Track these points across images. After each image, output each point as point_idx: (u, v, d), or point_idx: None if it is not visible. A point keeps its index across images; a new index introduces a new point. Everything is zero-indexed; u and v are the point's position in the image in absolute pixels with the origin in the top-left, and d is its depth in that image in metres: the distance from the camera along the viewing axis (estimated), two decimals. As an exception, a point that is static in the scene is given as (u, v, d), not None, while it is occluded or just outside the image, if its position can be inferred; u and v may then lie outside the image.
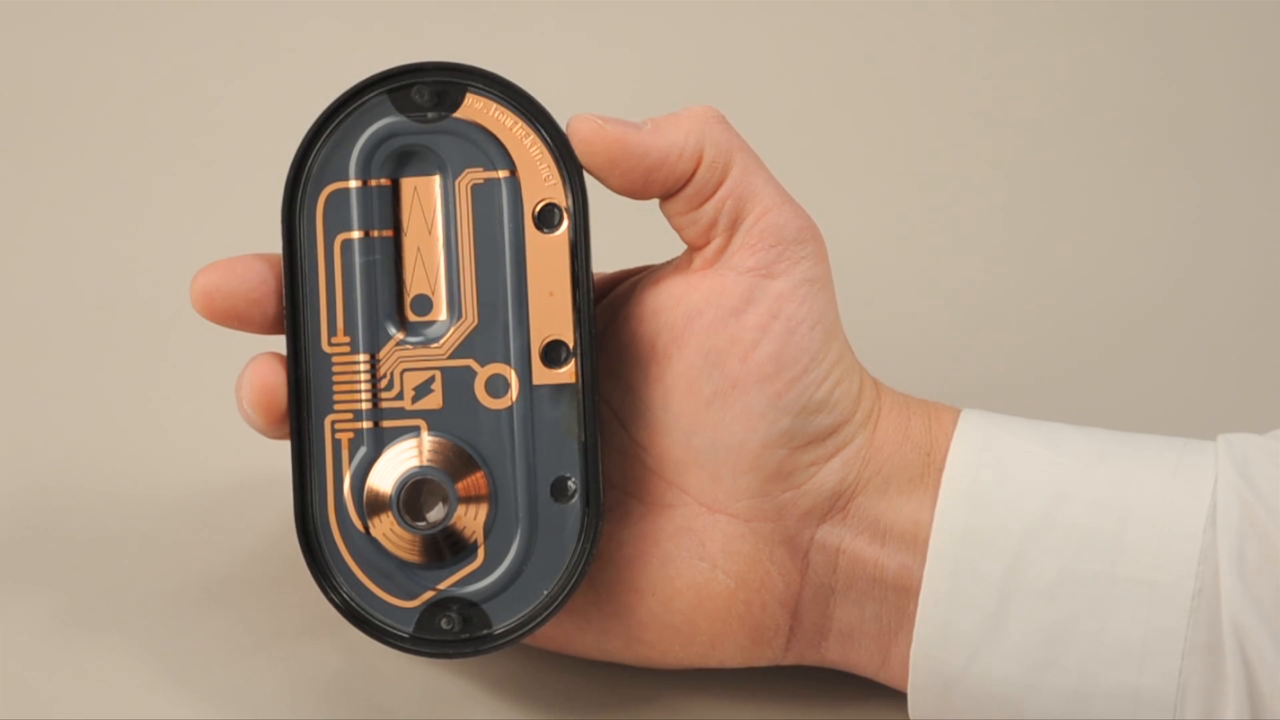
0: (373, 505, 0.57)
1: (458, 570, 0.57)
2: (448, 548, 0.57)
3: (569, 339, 0.57)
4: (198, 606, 0.63)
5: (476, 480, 0.57)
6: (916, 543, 0.57)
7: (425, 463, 0.57)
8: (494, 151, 0.57)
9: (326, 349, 0.57)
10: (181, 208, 0.79)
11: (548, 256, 0.57)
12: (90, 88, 0.83)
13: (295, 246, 0.57)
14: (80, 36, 0.84)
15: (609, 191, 0.58)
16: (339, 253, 0.57)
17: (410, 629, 0.57)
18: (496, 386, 0.57)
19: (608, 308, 0.59)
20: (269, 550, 0.64)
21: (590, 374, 0.57)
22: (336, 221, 0.57)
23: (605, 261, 0.60)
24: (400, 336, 0.57)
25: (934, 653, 0.57)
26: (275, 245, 0.57)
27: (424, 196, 0.57)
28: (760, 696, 0.60)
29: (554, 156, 0.57)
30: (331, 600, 0.57)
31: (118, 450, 0.69)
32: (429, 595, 0.57)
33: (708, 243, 0.58)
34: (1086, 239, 0.79)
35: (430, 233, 0.57)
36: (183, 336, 0.71)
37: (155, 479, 0.67)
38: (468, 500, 0.57)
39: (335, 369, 0.57)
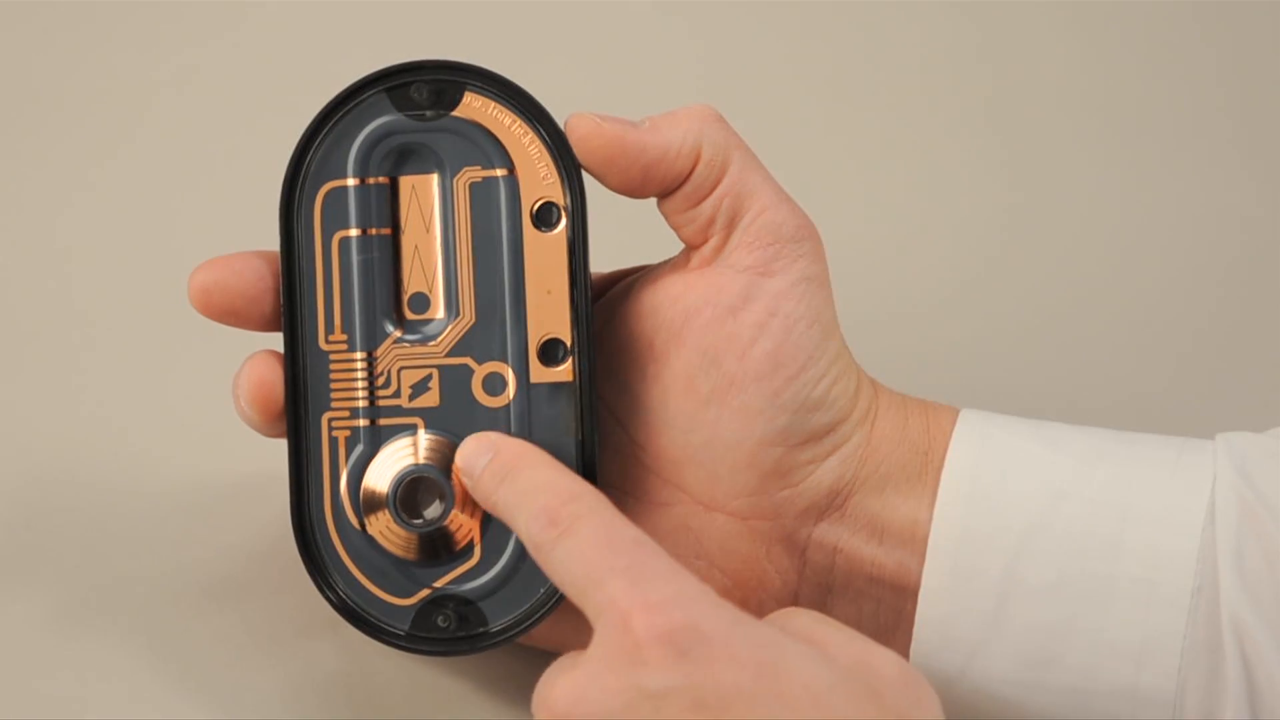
0: (369, 503, 0.57)
1: (454, 568, 0.57)
2: (444, 546, 0.57)
3: (567, 337, 0.57)
4: (196, 606, 0.63)
5: (474, 478, 0.57)
6: (914, 541, 0.57)
7: (422, 460, 0.57)
8: (492, 150, 0.57)
9: (324, 347, 0.57)
10: (179, 205, 0.78)
11: (546, 255, 0.57)
12: (88, 85, 0.82)
13: (293, 244, 0.57)
14: (78, 34, 0.84)
15: (607, 190, 0.58)
16: (337, 250, 0.57)
17: (406, 627, 0.57)
18: (494, 384, 0.57)
19: (605, 306, 0.59)
20: (267, 549, 0.64)
21: (588, 372, 0.57)
22: (334, 219, 0.57)
23: (603, 260, 0.60)
24: (398, 334, 0.57)
25: (933, 652, 0.57)
26: (273, 243, 0.57)
27: (422, 195, 0.57)
28: (759, 696, 0.60)
29: (552, 155, 0.57)
30: (328, 598, 0.57)
31: (116, 449, 0.69)
32: (425, 593, 0.57)
33: (705, 241, 0.58)
34: (1086, 239, 0.79)
35: (428, 231, 0.57)
36: (180, 334, 0.71)
37: (153, 477, 0.67)
38: (464, 498, 0.57)
39: (332, 367, 0.57)
